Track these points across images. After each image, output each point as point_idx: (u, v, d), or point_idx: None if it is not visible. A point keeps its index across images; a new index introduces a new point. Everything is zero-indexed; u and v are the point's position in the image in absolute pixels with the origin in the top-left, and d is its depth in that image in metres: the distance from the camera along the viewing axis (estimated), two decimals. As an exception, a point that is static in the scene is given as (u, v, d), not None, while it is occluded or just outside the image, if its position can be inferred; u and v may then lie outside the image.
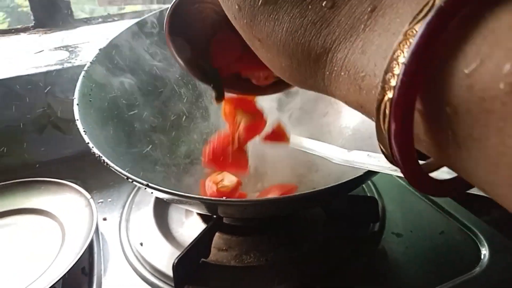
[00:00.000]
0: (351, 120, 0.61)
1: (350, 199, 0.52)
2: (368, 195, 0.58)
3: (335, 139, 0.61)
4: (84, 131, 0.47)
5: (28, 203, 0.58)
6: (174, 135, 0.62)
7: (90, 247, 0.53)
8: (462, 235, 0.52)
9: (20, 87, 0.65)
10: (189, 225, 0.55)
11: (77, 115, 0.48)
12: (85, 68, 0.54)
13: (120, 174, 0.41)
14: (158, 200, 0.58)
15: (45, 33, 0.79)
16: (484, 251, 0.49)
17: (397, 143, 0.16)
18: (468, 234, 0.52)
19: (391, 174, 0.54)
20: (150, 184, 0.40)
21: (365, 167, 0.41)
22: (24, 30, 0.80)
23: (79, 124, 0.47)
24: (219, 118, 0.63)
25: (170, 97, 0.63)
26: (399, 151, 0.16)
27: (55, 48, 0.72)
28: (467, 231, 0.52)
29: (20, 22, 0.82)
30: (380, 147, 0.17)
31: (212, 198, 0.44)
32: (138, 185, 0.41)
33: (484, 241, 0.50)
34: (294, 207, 0.47)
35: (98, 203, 0.61)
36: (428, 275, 0.47)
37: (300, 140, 0.51)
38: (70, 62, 0.67)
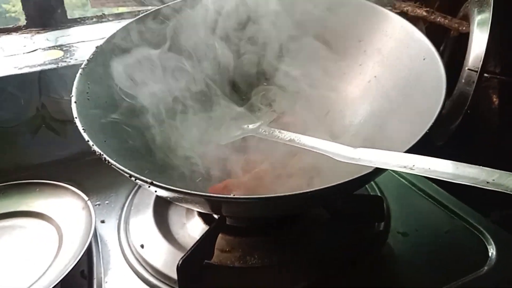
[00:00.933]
0: (353, 120, 0.60)
1: (354, 198, 0.51)
2: (373, 194, 0.57)
3: (336, 139, 0.60)
4: (83, 129, 0.45)
5: (23, 205, 0.56)
6: (177, 135, 0.60)
7: (89, 250, 0.51)
8: (468, 234, 0.51)
9: (12, 87, 0.63)
10: (191, 227, 0.54)
11: (75, 113, 0.47)
12: (83, 66, 0.53)
13: (123, 173, 0.40)
14: (158, 202, 0.56)
15: (38, 32, 0.77)
16: (492, 250, 0.48)
17: None
18: (474, 232, 0.51)
19: (398, 172, 0.54)
20: (154, 182, 0.38)
21: (372, 164, 0.41)
22: (16, 29, 0.78)
23: (77, 122, 0.45)
24: (223, 117, 0.63)
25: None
26: None
27: (48, 47, 0.70)
28: (473, 229, 0.52)
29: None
30: None
31: (216, 195, 0.43)
32: (141, 183, 0.40)
33: (490, 239, 0.49)
34: (298, 205, 0.46)
35: (96, 205, 0.59)
36: (436, 274, 0.46)
37: (304, 139, 0.51)
38: (65, 61, 0.65)
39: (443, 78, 0.48)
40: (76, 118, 0.46)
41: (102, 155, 0.41)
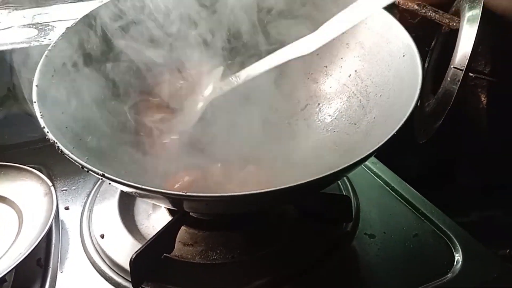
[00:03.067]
0: (330, 115, 0.59)
1: (323, 197, 0.50)
2: (344, 193, 0.56)
3: (312, 134, 0.58)
4: (41, 115, 0.43)
5: (-15, 188, 0.55)
6: (146, 124, 0.59)
7: (48, 237, 0.50)
8: (436, 238, 0.50)
9: (-17, 64, 0.61)
10: (156, 218, 0.53)
11: (34, 97, 0.45)
12: (49, 47, 0.51)
13: (75, 163, 0.39)
14: (123, 191, 0.55)
15: (16, 9, 0.74)
16: (458, 256, 0.47)
17: None
18: (443, 237, 0.50)
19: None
20: (105, 174, 0.37)
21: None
22: (-6, 5, 0.76)
23: (35, 107, 0.44)
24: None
25: (142, 80, 0.59)
26: None
27: (23, 25, 0.68)
28: (441, 234, 0.50)
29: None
30: None
31: (175, 192, 0.41)
32: (94, 175, 0.38)
33: (458, 245, 0.48)
34: (262, 204, 0.45)
35: (62, 191, 0.58)
36: (399, 279, 0.45)
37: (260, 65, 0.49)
38: (38, 41, 0.63)
39: (419, 78, 0.46)
40: (35, 102, 0.45)
41: (56, 143, 0.40)
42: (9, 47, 0.62)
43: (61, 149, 0.40)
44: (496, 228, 0.73)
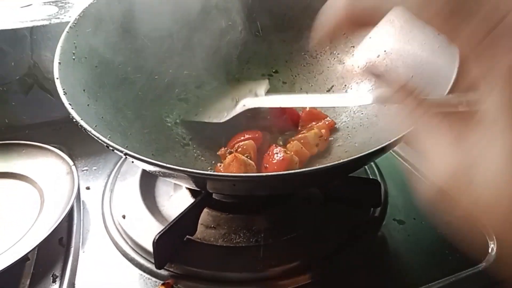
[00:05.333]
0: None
1: (350, 180, 0.48)
2: (371, 177, 0.54)
3: (338, 116, 0.56)
4: (64, 92, 0.42)
5: (7, 167, 0.54)
6: (168, 106, 0.58)
7: (70, 217, 0.49)
8: (469, 226, 0.48)
9: (3, 42, 0.60)
10: (177, 199, 0.52)
11: (56, 74, 0.44)
12: (71, 24, 0.49)
13: (99, 141, 0.38)
14: (145, 171, 0.54)
15: (36, -13, 0.73)
16: (492, 245, 0.45)
17: None
18: (476, 225, 0.48)
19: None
20: (129, 152, 0.36)
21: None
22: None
23: (58, 83, 0.43)
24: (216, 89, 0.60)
25: (164, 60, 0.58)
26: None
27: (44, 2, 0.67)
28: (475, 222, 0.48)
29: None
30: None
31: (199, 171, 0.40)
32: (118, 153, 0.37)
33: (492, 234, 0.46)
34: (288, 186, 0.43)
35: (83, 171, 0.58)
36: (429, 267, 0.43)
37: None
38: (58, 18, 0.62)
39: (456, 57, 0.43)
40: (57, 79, 0.44)
41: (78, 122, 0.39)
42: (30, 24, 0.61)
43: (83, 127, 0.38)
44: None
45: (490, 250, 0.45)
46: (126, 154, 0.36)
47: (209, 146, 0.53)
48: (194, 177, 0.39)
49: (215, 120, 0.53)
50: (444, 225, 0.48)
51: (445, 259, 0.44)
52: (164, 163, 0.35)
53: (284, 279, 0.42)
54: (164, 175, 0.43)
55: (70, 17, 0.63)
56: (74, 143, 0.61)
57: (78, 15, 0.50)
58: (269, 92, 0.62)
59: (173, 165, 0.36)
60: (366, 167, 0.56)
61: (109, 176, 0.56)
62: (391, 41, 0.55)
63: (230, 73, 0.63)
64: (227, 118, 0.53)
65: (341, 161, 0.37)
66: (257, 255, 0.44)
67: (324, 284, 0.42)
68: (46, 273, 0.43)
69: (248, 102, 0.53)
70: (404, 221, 0.49)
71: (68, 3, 0.68)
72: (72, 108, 0.40)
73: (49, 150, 0.55)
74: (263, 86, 0.54)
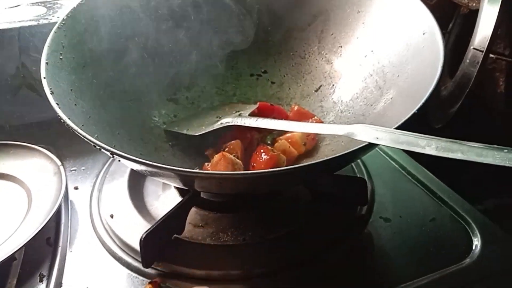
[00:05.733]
0: (344, 96, 0.57)
1: (337, 178, 0.49)
2: (358, 176, 0.55)
3: (326, 115, 0.57)
4: (51, 91, 0.42)
5: (-6, 167, 0.54)
6: (156, 105, 0.58)
7: (58, 217, 0.49)
8: (454, 223, 0.49)
9: (-9, 43, 0.60)
10: (166, 199, 0.52)
11: (43, 73, 0.44)
12: (58, 24, 0.50)
13: (85, 139, 0.38)
14: (134, 171, 0.54)
15: (24, -13, 0.73)
16: (476, 242, 0.46)
17: None
18: (461, 222, 0.48)
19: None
20: (116, 151, 0.36)
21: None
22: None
23: (45, 83, 0.43)
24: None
25: (152, 60, 0.58)
26: None
27: (32, 3, 0.67)
28: (459, 219, 0.49)
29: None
30: None
31: (187, 170, 0.40)
32: (105, 152, 0.38)
33: (476, 230, 0.47)
34: (274, 184, 0.43)
35: (71, 171, 0.58)
36: (415, 264, 0.44)
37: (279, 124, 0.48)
38: (46, 19, 0.62)
39: (440, 56, 0.44)
40: (44, 78, 0.44)
41: (65, 121, 0.39)
42: (17, 24, 0.61)
43: (70, 126, 0.38)
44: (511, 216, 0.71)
45: (474, 247, 0.45)
46: (113, 153, 0.36)
47: (197, 146, 0.53)
48: (182, 176, 0.39)
49: (191, 133, 0.53)
50: (428, 223, 0.49)
51: (430, 256, 0.45)
52: (151, 161, 0.36)
53: (271, 277, 0.43)
54: (152, 174, 0.43)
55: (58, 17, 0.62)
56: (63, 143, 0.61)
57: (66, 15, 0.51)
58: (259, 91, 0.63)
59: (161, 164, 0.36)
60: (353, 165, 0.56)
61: (97, 176, 0.56)
62: (377, 41, 0.56)
63: (219, 73, 0.63)
64: (203, 132, 0.52)
65: (325, 158, 0.38)
66: (245, 254, 0.45)
67: (311, 282, 0.43)
68: (33, 272, 0.43)
69: (228, 120, 0.52)
70: (390, 219, 0.49)
71: (57, 3, 0.68)
72: (59, 108, 0.41)
73: (37, 150, 0.55)
74: (251, 109, 0.55)
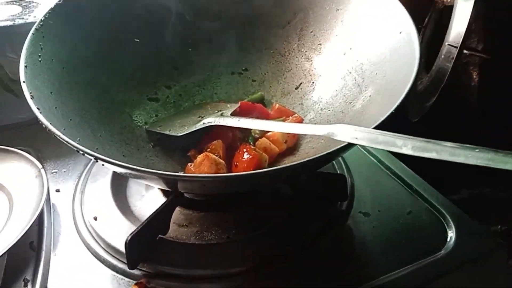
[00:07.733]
0: (324, 93, 0.58)
1: (317, 176, 0.50)
2: (338, 172, 0.56)
3: (306, 112, 0.58)
4: (31, 96, 0.42)
5: (-27, 171, 0.53)
6: (137, 105, 0.58)
7: (40, 220, 0.49)
8: (429, 215, 0.51)
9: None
10: (149, 199, 0.52)
11: (22, 77, 0.44)
12: (36, 25, 0.49)
13: (67, 144, 0.38)
14: (116, 172, 0.54)
15: (-2, -15, 0.71)
16: (451, 233, 0.48)
17: None
18: (436, 215, 0.50)
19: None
20: (99, 156, 0.36)
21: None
22: (-25, -20, 0.73)
23: (24, 87, 0.42)
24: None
25: (132, 60, 0.58)
26: None
27: (7, 2, 0.66)
28: (435, 211, 0.51)
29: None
30: None
31: (171, 173, 0.41)
32: (88, 156, 0.38)
33: (451, 222, 0.49)
34: (257, 184, 0.44)
35: (52, 173, 0.57)
36: (393, 256, 0.46)
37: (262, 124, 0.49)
38: (23, 18, 0.61)
39: (416, 56, 0.45)
40: (23, 82, 0.43)
41: (47, 127, 0.39)
42: (-8, 25, 0.60)
43: (52, 131, 0.38)
44: (486, 204, 0.74)
45: (448, 239, 0.47)
46: (97, 158, 0.36)
47: (180, 145, 0.54)
48: (165, 179, 0.40)
49: (173, 134, 0.53)
50: (406, 216, 0.50)
51: (407, 248, 0.47)
52: (134, 165, 0.36)
53: (256, 273, 0.44)
54: (135, 176, 0.43)
55: (35, 17, 0.62)
56: (42, 145, 0.61)
57: (44, 16, 0.50)
58: (240, 89, 0.63)
59: (144, 166, 0.37)
60: (334, 162, 0.57)
61: (79, 177, 0.56)
62: (356, 40, 0.57)
63: (200, 71, 0.63)
64: (186, 132, 0.52)
65: (306, 159, 0.39)
66: (229, 252, 0.46)
67: (294, 276, 0.44)
68: (17, 277, 0.43)
69: (211, 120, 0.53)
70: (369, 213, 0.51)
71: (33, 2, 0.66)
72: (40, 113, 0.40)
73: (16, 153, 0.55)
74: (233, 108, 0.55)
